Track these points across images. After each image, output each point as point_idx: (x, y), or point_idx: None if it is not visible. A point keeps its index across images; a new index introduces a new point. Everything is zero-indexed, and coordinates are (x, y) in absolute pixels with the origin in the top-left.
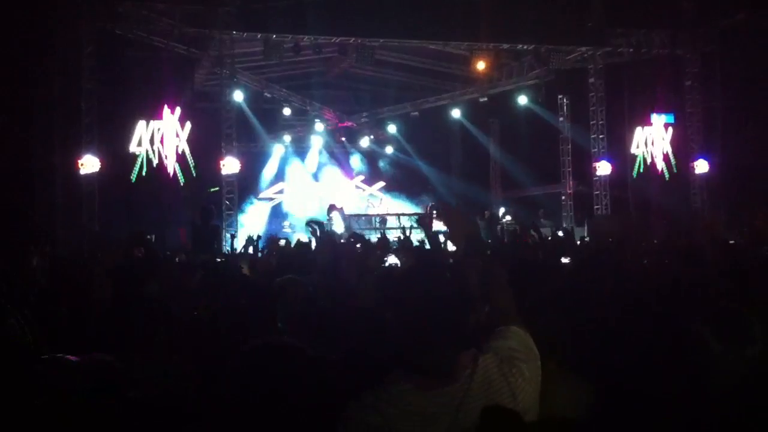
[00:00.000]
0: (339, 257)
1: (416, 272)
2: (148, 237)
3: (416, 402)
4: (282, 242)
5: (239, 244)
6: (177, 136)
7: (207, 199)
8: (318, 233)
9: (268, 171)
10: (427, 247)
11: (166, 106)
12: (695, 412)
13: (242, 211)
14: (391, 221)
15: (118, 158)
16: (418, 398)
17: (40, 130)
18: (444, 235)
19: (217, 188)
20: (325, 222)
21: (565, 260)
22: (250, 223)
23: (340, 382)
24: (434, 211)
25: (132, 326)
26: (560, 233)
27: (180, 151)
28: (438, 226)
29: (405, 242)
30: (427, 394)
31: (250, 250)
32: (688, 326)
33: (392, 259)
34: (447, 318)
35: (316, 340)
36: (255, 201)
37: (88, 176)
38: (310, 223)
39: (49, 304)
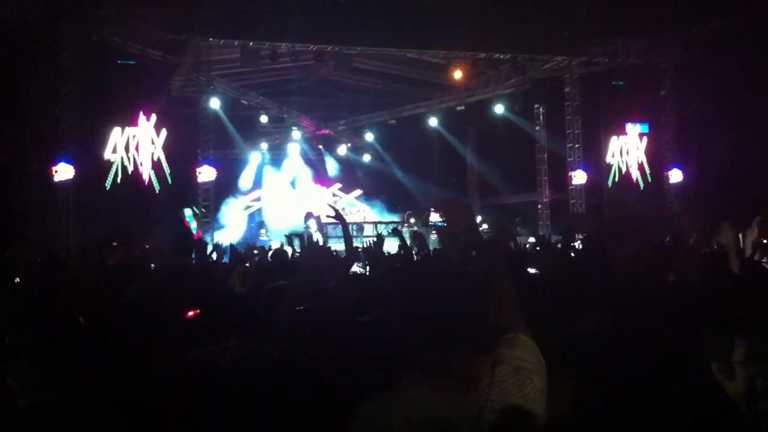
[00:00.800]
0: (323, 263)
1: (436, 274)
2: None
3: (439, 409)
4: (255, 251)
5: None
6: (152, 143)
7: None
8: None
9: (245, 178)
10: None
11: (141, 113)
12: (690, 415)
13: (219, 220)
14: (368, 229)
15: (92, 165)
16: (441, 405)
17: (15, 134)
18: (442, 229)
19: (202, 211)
20: (303, 230)
21: (532, 270)
22: (227, 230)
23: (332, 383)
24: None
25: (128, 326)
26: (532, 239)
27: (155, 159)
28: (435, 218)
29: (375, 251)
30: (449, 402)
31: (214, 256)
32: (684, 329)
33: (355, 268)
34: (468, 320)
35: (310, 342)
36: (232, 207)
37: (62, 183)
38: (291, 236)
39: (48, 303)
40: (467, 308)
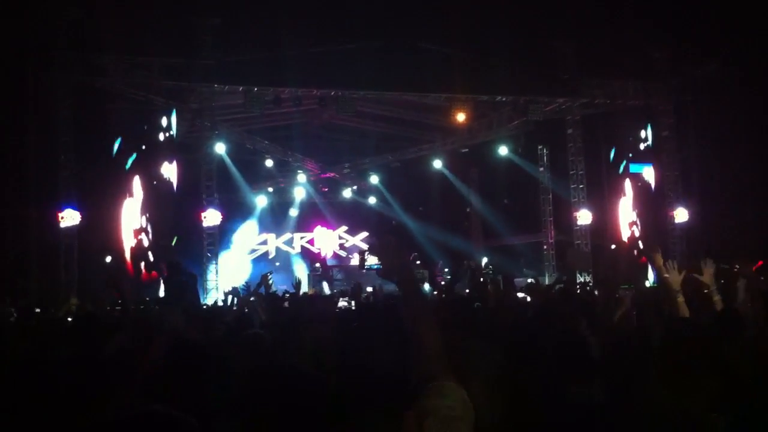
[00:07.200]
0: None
1: (360, 336)
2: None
3: None
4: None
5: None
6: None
7: (173, 251)
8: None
9: (252, 222)
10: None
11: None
12: None
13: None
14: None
15: (98, 211)
16: None
17: (13, 181)
18: (378, 271)
19: (174, 241)
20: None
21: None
22: (232, 274)
23: None
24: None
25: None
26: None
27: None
28: (372, 261)
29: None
30: None
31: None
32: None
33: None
34: (392, 381)
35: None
36: (235, 252)
37: (67, 229)
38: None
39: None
40: (394, 361)
